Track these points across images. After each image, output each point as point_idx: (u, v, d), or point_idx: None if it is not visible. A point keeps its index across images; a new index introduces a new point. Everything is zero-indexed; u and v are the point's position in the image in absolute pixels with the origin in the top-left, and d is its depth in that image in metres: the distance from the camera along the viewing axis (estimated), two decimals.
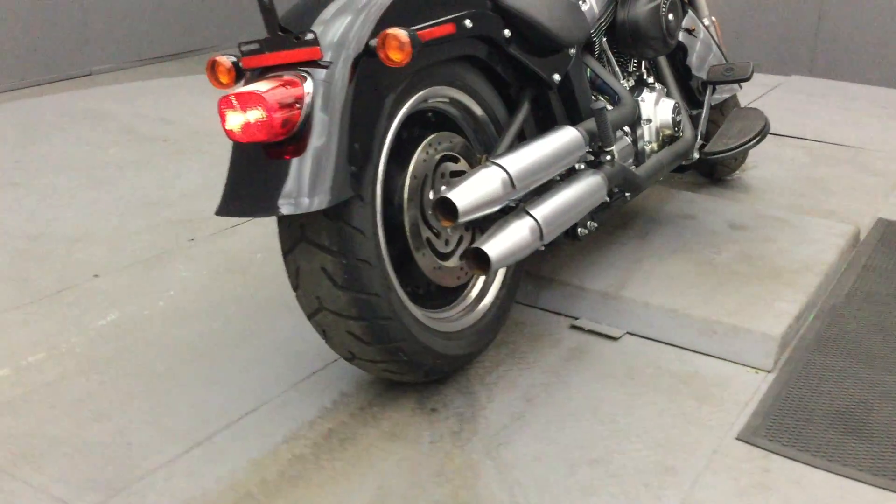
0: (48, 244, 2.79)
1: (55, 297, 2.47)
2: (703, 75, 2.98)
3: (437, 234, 2.02)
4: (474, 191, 1.87)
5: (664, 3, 2.65)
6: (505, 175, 1.92)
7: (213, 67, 1.89)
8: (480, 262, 1.90)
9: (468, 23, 1.99)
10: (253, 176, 1.76)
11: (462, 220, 1.84)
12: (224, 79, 1.89)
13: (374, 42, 1.76)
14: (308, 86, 1.72)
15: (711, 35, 3.15)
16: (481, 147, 2.20)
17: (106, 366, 2.15)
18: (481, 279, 2.21)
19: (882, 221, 3.15)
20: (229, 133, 1.70)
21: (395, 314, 1.87)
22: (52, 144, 3.70)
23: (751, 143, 2.76)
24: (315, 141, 1.71)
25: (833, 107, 4.70)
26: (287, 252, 1.85)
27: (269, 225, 2.96)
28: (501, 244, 1.91)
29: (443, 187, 1.97)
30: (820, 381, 2.17)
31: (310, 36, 1.71)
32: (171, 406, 2.00)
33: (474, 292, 2.20)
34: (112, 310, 2.40)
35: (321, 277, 1.81)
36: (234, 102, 1.68)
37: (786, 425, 1.99)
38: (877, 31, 5.53)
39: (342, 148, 1.72)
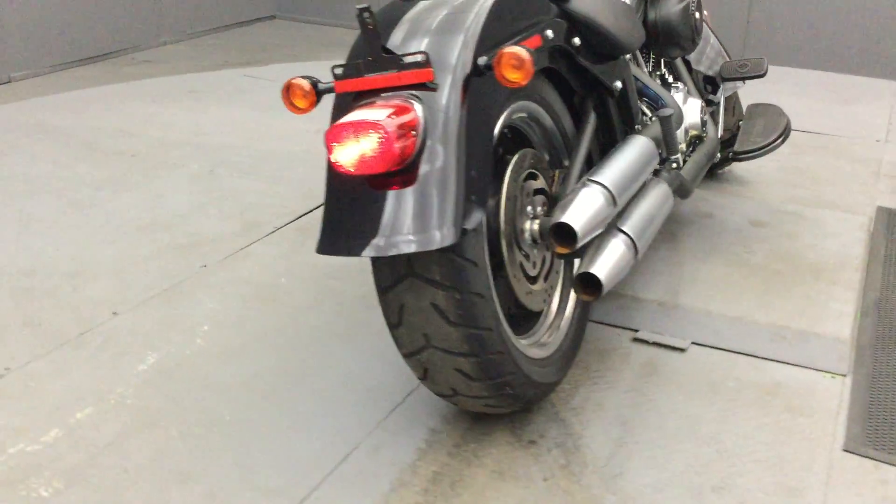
0: (48, 280, 2.55)
1: (79, 341, 2.24)
2: (703, 69, 2.95)
3: (527, 257, 1.92)
4: (585, 213, 1.77)
5: (693, 2, 2.60)
6: (607, 193, 1.84)
7: (288, 91, 1.73)
8: (588, 287, 1.80)
9: (549, 33, 1.90)
10: (359, 210, 1.62)
11: (579, 244, 1.74)
12: (301, 103, 1.73)
13: (482, 60, 1.64)
14: (419, 110, 1.59)
15: (709, 28, 3.12)
16: (548, 160, 2.10)
17: (165, 417, 1.96)
18: (556, 300, 2.12)
19: (883, 210, 3.20)
20: (336, 165, 1.55)
21: (505, 347, 1.76)
22: (12, 164, 3.40)
23: (779, 141, 2.75)
24: (432, 170, 1.58)
25: (788, 93, 4.77)
26: (388, 288, 1.71)
27: (281, 245, 2.79)
28: (606, 266, 1.83)
29: (552, 210, 1.88)
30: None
31: (420, 57, 1.58)
32: (256, 459, 1.84)
33: (552, 314, 2.10)
34: (148, 352, 2.20)
35: (431, 314, 1.69)
36: (349, 132, 1.52)
37: (883, 432, 1.98)
38: (808, 16, 5.67)
39: (461, 176, 1.60)
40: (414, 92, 1.61)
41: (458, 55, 1.64)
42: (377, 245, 1.57)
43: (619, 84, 2.18)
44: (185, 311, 2.40)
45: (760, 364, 2.23)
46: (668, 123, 2.17)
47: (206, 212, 3.03)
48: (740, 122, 2.95)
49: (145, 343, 2.24)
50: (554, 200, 2.00)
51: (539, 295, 1.97)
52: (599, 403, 2.06)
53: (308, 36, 6.70)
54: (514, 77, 1.59)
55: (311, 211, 3.05)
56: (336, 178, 1.65)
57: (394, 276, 1.69)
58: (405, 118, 1.56)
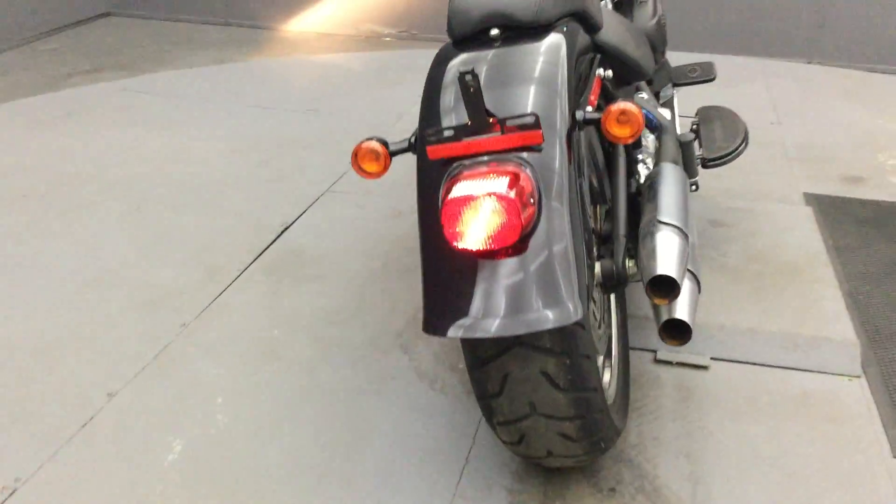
0: (11, 361, 2.26)
1: (86, 434, 2.01)
2: None
3: (594, 302, 1.87)
4: (675, 260, 1.73)
5: (663, 15, 2.61)
6: (682, 234, 1.81)
7: (357, 156, 1.61)
8: (675, 333, 1.78)
9: (601, 71, 1.85)
10: (471, 284, 1.51)
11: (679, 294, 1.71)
12: (373, 167, 1.62)
13: (580, 114, 1.58)
14: (531, 174, 1.50)
15: None
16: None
17: None
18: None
19: (810, 196, 3.36)
20: (453, 242, 1.44)
21: (606, 405, 1.71)
22: None
23: (744, 146, 2.80)
24: (550, 238, 1.50)
25: None
26: (490, 359, 1.62)
27: (255, 291, 2.60)
28: (685, 308, 1.80)
29: (602, 249, 1.83)
30: None
31: (530, 119, 1.49)
32: None
33: (601, 355, 2.06)
34: (169, 437, 2.00)
35: (539, 382, 1.61)
36: (471, 207, 1.42)
37: None
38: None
39: (578, 241, 1.53)
40: (520, 154, 1.52)
41: (558, 111, 1.56)
42: (503, 323, 1.48)
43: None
44: (188, 382, 2.19)
45: (782, 374, 2.29)
46: (690, 148, 2.17)
47: (155, 258, 2.78)
48: (694, 126, 2.99)
49: (161, 427, 2.03)
50: (601, 238, 1.96)
51: (603, 339, 1.93)
52: (655, 437, 2.05)
53: (152, 34, 6.28)
54: (623, 133, 1.53)
55: (268, 246, 2.86)
56: (438, 249, 1.54)
57: (498, 346, 1.60)
58: (524, 184, 1.47)
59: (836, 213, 3.20)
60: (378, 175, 1.63)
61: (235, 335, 2.39)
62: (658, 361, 2.33)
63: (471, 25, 1.71)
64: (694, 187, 2.25)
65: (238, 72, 4.93)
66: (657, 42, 2.55)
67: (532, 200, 1.48)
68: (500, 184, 1.43)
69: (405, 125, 4.00)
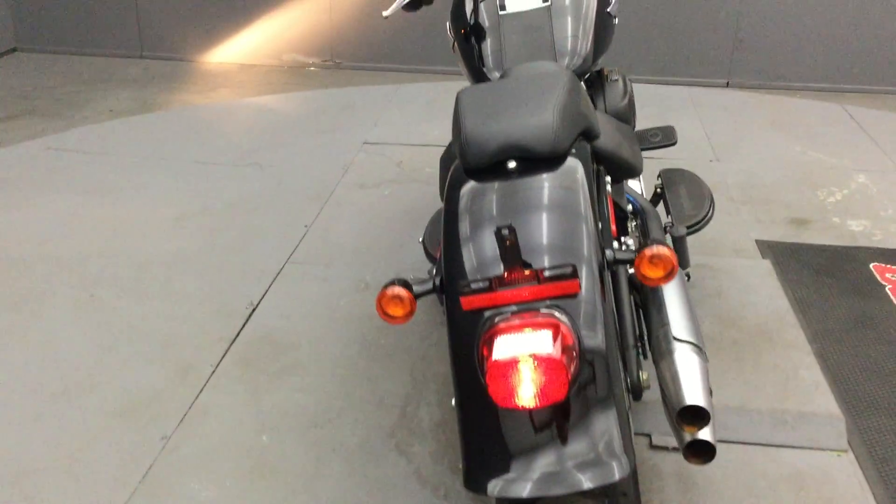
0: None
1: None
2: None
3: None
4: (699, 384, 1.73)
5: (631, 92, 2.62)
6: (700, 350, 1.81)
7: (381, 301, 1.56)
8: (699, 451, 1.78)
9: (608, 186, 1.84)
10: (513, 440, 1.49)
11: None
12: (398, 312, 1.58)
13: (609, 254, 1.56)
14: (570, 324, 1.48)
15: None
16: None
17: None
18: None
19: (762, 244, 3.43)
20: (500, 403, 1.41)
21: None
22: None
23: (712, 210, 2.82)
24: (592, 390, 1.48)
25: None
26: (529, 501, 1.59)
27: (233, 390, 2.51)
28: (707, 426, 1.81)
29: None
30: (892, 450, 2.34)
31: (568, 269, 1.46)
32: None
33: None
34: None
35: None
36: (517, 370, 1.39)
37: None
38: None
39: (618, 385, 1.51)
40: (557, 303, 1.50)
41: (590, 250, 1.54)
42: (547, 482, 1.46)
43: (630, 206, 2.16)
44: None
45: (773, 453, 2.32)
46: (684, 242, 2.18)
47: (121, 357, 2.65)
48: (658, 190, 3.01)
49: None
50: None
51: None
52: None
53: (64, 71, 6.02)
54: (657, 274, 1.52)
55: (238, 334, 2.76)
56: (477, 403, 1.50)
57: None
58: (564, 335, 1.44)
59: (792, 264, 3.27)
60: (404, 320, 1.58)
61: (222, 446, 2.30)
62: (654, 447, 2.34)
63: (486, 157, 1.67)
64: (687, 278, 2.27)
65: (167, 121, 4.76)
66: (629, 119, 2.56)
67: (574, 353, 1.46)
68: (544, 341, 1.40)
69: (353, 179, 3.93)
